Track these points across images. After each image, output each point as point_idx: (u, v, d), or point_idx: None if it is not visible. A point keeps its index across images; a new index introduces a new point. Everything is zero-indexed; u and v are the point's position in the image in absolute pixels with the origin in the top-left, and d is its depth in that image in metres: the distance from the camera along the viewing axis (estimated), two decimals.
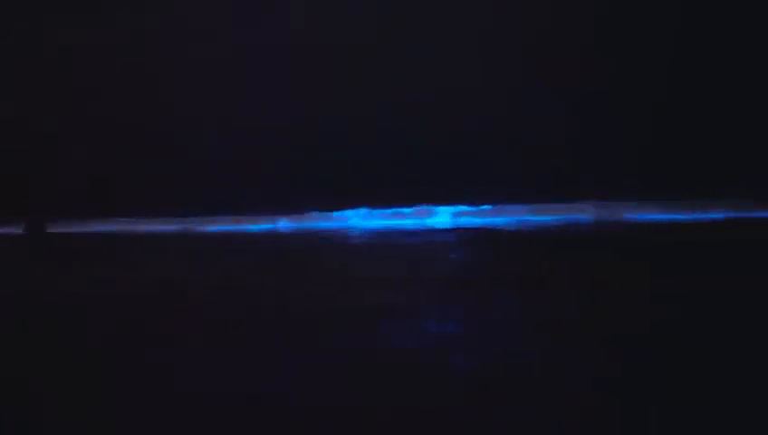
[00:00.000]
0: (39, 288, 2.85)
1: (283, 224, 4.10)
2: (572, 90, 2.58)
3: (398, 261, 3.13)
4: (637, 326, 2.05)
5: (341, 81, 2.54)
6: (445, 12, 2.42)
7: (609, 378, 1.66)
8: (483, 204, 3.63)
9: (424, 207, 3.85)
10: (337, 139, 2.84)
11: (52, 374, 1.89)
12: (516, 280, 2.67)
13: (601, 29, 2.47)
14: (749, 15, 2.46)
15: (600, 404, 1.52)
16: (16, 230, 3.77)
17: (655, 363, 1.75)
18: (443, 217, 3.95)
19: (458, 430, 1.44)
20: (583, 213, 3.26)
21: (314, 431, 1.46)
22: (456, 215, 3.91)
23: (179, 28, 2.81)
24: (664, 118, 2.56)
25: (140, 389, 1.73)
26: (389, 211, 3.94)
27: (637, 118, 2.41)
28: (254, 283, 2.88)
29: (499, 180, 2.83)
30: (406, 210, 3.93)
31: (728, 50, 2.48)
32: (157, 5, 2.93)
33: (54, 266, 3.18)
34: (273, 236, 3.95)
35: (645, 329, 2.02)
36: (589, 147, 2.66)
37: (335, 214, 4.03)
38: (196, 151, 3.15)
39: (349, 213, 4.05)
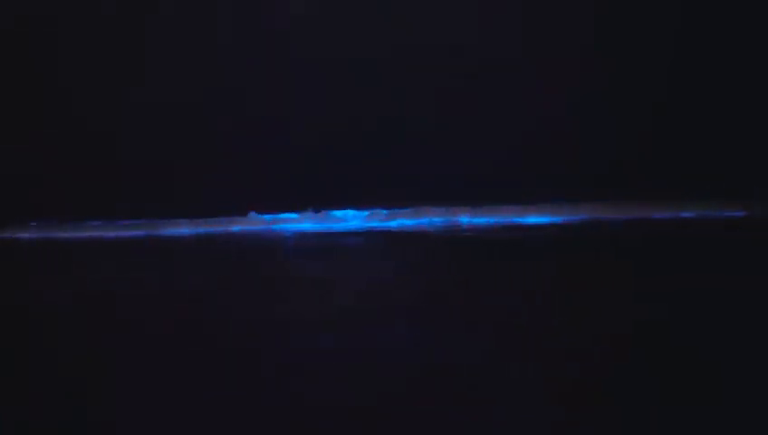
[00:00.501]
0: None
1: (190, 228, 4.00)
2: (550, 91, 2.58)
3: (351, 263, 3.08)
4: (621, 326, 2.04)
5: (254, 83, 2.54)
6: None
7: (597, 377, 1.66)
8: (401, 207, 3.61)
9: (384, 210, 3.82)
10: (252, 141, 2.83)
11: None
12: (495, 280, 2.66)
13: (601, 29, 2.46)
14: (749, 16, 2.45)
15: (589, 402, 1.52)
16: None
17: (643, 362, 1.75)
18: (355, 219, 3.91)
19: (452, 430, 1.44)
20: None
21: (312, 431, 1.46)
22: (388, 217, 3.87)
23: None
24: (662, 118, 2.55)
25: (140, 390, 1.73)
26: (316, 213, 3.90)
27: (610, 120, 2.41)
28: (188, 286, 2.82)
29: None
30: (339, 213, 3.89)
31: (729, 50, 2.47)
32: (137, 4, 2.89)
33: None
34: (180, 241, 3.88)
35: (630, 329, 2.02)
36: (584, 148, 2.66)
37: (260, 217, 3.98)
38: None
39: (274, 216, 4.00)
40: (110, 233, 3.82)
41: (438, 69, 2.56)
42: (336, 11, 2.63)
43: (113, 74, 2.82)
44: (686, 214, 2.92)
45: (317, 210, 3.73)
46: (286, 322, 2.20)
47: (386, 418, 1.48)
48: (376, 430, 1.45)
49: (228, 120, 2.76)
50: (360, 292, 2.52)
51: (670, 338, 1.90)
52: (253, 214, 3.81)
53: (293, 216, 3.86)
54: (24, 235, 3.78)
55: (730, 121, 2.53)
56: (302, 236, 3.76)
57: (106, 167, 2.98)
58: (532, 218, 3.25)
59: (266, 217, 3.84)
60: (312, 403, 1.57)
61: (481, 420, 1.47)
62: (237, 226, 3.85)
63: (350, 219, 3.80)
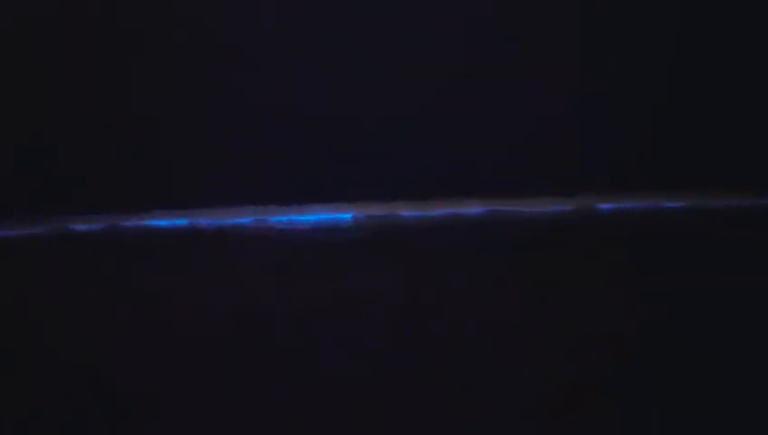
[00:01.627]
0: None
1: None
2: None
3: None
4: (620, 325, 2.04)
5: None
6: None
7: (594, 378, 1.66)
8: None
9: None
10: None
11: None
12: (485, 277, 2.65)
13: (599, 29, 2.47)
14: (749, 16, 2.45)
15: (587, 404, 1.52)
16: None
17: (641, 363, 1.75)
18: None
19: (448, 431, 1.44)
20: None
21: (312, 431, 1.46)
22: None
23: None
24: (662, 117, 2.56)
25: (139, 391, 1.74)
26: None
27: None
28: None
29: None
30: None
31: (729, 50, 2.47)
32: None
33: None
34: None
35: (629, 328, 2.01)
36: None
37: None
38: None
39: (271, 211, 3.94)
40: (107, 226, 3.80)
41: (438, 69, 2.57)
42: (337, 11, 2.64)
43: (113, 73, 2.83)
44: (685, 211, 2.91)
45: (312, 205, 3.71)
46: (283, 316, 2.20)
47: (379, 418, 1.49)
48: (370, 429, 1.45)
49: (227, 118, 2.77)
50: (346, 287, 2.52)
51: (670, 337, 1.90)
52: (251, 209, 3.80)
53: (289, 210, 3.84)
54: (22, 231, 3.76)
55: (731, 120, 2.54)
56: (299, 231, 3.75)
57: (104, 162, 2.98)
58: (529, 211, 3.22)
59: (263, 212, 3.82)
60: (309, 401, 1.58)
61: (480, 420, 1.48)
62: (236, 221, 3.83)
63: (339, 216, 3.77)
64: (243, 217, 3.58)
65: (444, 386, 1.64)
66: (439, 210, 3.38)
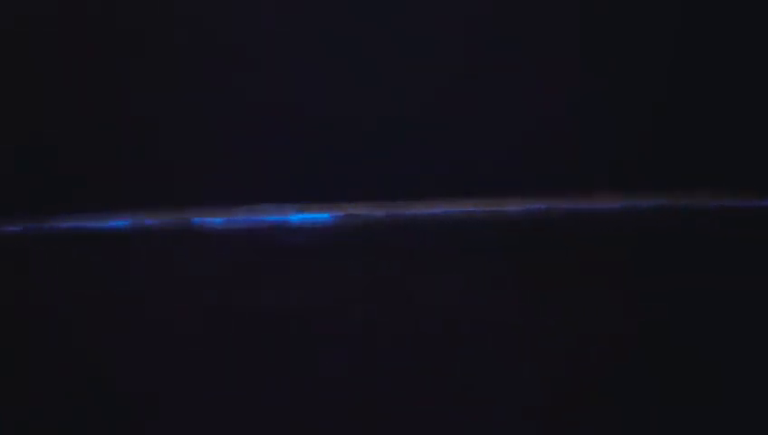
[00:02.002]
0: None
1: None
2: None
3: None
4: (618, 326, 2.04)
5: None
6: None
7: (594, 378, 1.66)
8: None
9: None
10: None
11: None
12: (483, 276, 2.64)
13: (598, 28, 2.46)
14: (750, 16, 2.44)
15: (587, 404, 1.52)
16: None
17: (641, 363, 1.75)
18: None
19: (448, 430, 1.44)
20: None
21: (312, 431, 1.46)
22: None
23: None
24: (661, 117, 2.56)
25: (139, 391, 1.74)
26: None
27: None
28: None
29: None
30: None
31: (729, 50, 2.47)
32: None
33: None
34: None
35: (629, 328, 2.01)
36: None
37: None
38: None
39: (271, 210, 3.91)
40: (106, 225, 3.79)
41: (438, 69, 2.57)
42: (337, 11, 2.64)
43: (113, 73, 2.82)
44: (684, 211, 2.90)
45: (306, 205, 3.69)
46: (283, 315, 2.20)
47: (382, 418, 1.49)
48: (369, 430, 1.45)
49: (227, 118, 2.77)
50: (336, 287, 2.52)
51: (670, 337, 1.90)
52: (252, 207, 3.79)
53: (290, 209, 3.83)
54: (22, 231, 3.74)
55: (731, 120, 2.54)
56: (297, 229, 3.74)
57: (104, 162, 2.98)
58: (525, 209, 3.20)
59: (265, 210, 3.82)
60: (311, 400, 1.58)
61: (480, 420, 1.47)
62: (235, 221, 3.83)
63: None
64: (243, 217, 3.57)
65: (443, 386, 1.63)
66: (439, 210, 3.37)
